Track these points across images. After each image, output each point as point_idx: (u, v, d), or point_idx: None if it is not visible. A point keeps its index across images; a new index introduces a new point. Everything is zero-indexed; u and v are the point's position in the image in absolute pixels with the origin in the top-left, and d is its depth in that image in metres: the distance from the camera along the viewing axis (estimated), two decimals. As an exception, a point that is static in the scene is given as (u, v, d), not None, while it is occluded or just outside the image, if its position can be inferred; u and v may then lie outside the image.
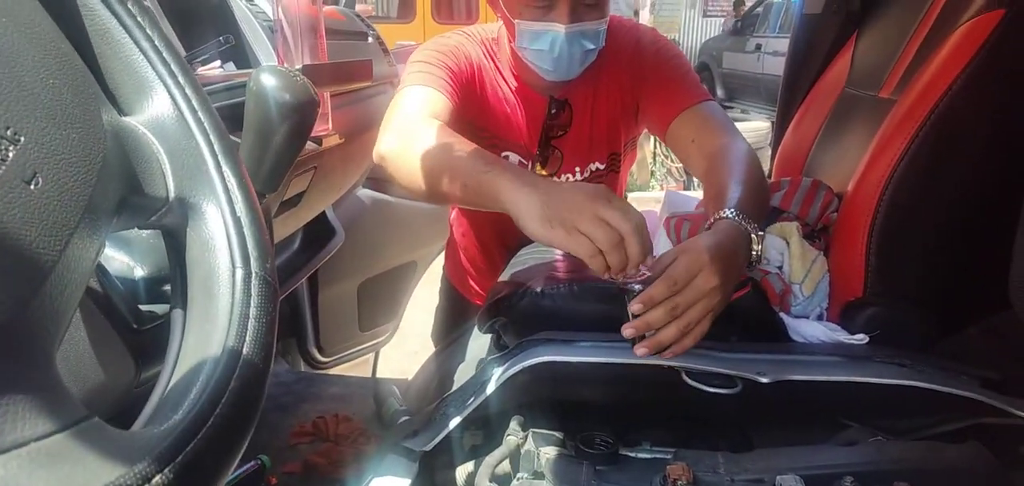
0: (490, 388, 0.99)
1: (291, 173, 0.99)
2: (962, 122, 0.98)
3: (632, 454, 0.89)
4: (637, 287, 0.82)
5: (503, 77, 1.25)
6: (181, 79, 0.44)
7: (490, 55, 1.25)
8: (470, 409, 0.99)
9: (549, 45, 1.11)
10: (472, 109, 1.21)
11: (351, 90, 1.33)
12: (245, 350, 0.35)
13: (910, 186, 0.98)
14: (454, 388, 1.32)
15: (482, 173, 0.88)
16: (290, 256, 1.58)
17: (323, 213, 1.61)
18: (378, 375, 2.28)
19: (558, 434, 0.92)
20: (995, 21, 0.95)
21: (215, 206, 0.39)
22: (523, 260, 1.29)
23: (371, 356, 2.25)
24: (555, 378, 0.98)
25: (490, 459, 0.90)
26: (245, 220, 0.39)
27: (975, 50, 0.96)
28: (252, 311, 0.36)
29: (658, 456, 0.88)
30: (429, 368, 1.76)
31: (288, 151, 0.59)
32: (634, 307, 0.80)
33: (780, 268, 1.06)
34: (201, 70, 0.94)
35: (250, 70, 1.10)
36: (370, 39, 1.65)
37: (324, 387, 1.80)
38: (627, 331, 0.82)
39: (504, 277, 1.24)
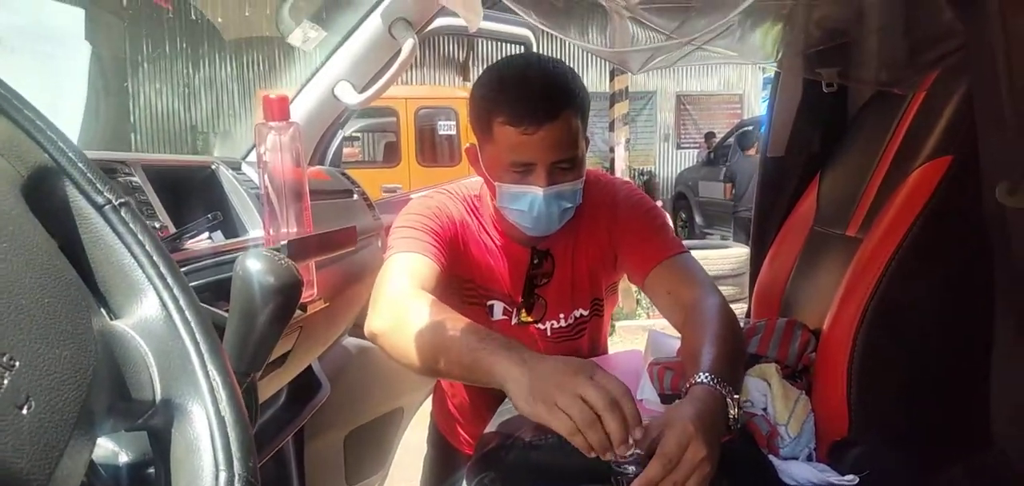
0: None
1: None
2: (925, 261, 1.02)
3: None
4: (631, 469, 0.82)
5: (486, 231, 1.30)
6: (169, 280, 0.46)
7: (473, 211, 1.30)
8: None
9: (528, 206, 1.16)
10: (458, 264, 1.25)
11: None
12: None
13: (882, 325, 1.01)
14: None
15: (475, 350, 0.92)
16: (276, 412, 1.56)
17: (309, 367, 1.61)
18: (366, 529, 2.19)
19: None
20: (945, 166, 1.01)
21: (200, 406, 0.40)
22: (511, 407, 1.29)
23: (361, 508, 2.17)
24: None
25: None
26: (229, 420, 0.40)
27: (929, 194, 1.01)
28: (235, 518, 0.36)
29: None
30: (418, 523, 1.71)
31: (273, 331, 0.61)
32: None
33: (764, 410, 1.07)
34: (189, 243, 0.97)
35: (238, 240, 1.13)
36: (355, 196, 1.71)
37: (309, 547, 1.74)
38: None
39: (492, 427, 1.23)
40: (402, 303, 1.05)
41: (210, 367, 0.42)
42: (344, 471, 2.01)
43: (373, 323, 1.07)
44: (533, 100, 1.10)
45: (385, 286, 1.10)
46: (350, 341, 1.99)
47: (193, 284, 0.75)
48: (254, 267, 0.61)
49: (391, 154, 7.71)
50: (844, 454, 1.01)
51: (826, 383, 1.07)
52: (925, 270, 1.02)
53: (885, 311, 1.02)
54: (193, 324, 0.44)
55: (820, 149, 1.53)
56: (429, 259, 1.15)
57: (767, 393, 1.07)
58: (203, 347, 0.43)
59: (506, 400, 1.34)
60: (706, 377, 0.91)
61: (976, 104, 0.96)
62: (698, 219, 9.58)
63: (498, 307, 1.33)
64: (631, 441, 0.81)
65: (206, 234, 1.02)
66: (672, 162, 12.75)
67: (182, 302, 0.45)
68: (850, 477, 0.96)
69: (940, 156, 1.04)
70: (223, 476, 0.37)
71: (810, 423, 1.05)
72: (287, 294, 0.62)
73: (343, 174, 1.77)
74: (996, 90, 0.76)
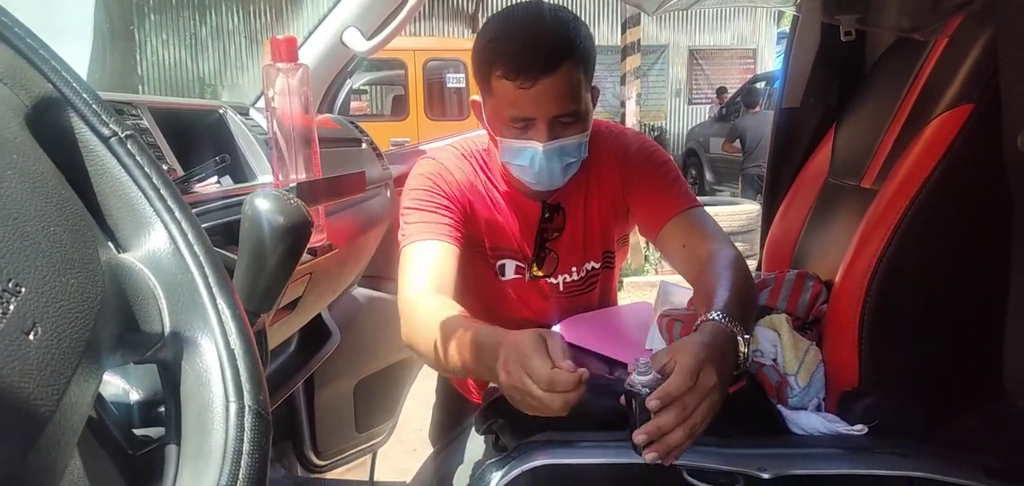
0: (487, 494, 0.97)
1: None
2: (941, 212, 1.00)
3: None
4: (645, 390, 0.80)
5: (495, 186, 1.29)
6: (177, 214, 0.45)
7: (482, 167, 1.29)
8: (471, 515, 0.97)
9: (529, 161, 1.15)
10: (468, 225, 1.24)
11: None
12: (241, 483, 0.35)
13: (895, 276, 1.00)
14: (453, 493, 1.29)
15: (486, 363, 0.92)
16: (286, 359, 1.57)
17: (319, 315, 1.61)
18: (376, 477, 2.23)
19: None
20: (965, 116, 0.99)
21: (209, 339, 0.40)
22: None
23: (369, 458, 2.21)
24: (556, 480, 0.96)
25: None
26: (239, 351, 0.40)
27: (948, 143, 0.99)
28: (246, 447, 0.36)
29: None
30: (427, 471, 1.73)
31: (282, 272, 0.60)
32: (652, 403, 0.78)
33: (774, 360, 1.07)
34: (198, 187, 0.96)
35: (246, 185, 1.13)
36: (364, 145, 1.70)
37: (320, 492, 1.77)
38: (639, 437, 0.79)
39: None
40: (419, 314, 1.07)
41: (219, 300, 0.42)
42: (354, 419, 2.04)
43: (402, 329, 1.10)
44: (530, 52, 1.07)
45: (405, 289, 1.11)
46: (359, 291, 2.00)
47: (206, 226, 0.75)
48: (263, 206, 0.60)
49: (399, 107, 7.64)
50: (853, 405, 1.01)
51: (837, 334, 1.06)
52: (941, 221, 1.01)
53: (899, 262, 1.01)
54: (202, 257, 0.44)
55: (837, 100, 1.50)
56: (443, 242, 1.15)
57: (776, 344, 1.07)
58: (212, 280, 0.43)
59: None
60: (718, 314, 0.89)
61: (1001, 50, 0.93)
62: (709, 176, 9.50)
63: (510, 266, 1.33)
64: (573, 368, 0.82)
65: (214, 178, 1.02)
66: (683, 118, 12.62)
67: (190, 236, 0.45)
68: (859, 427, 0.96)
69: (961, 104, 1.01)
70: (233, 407, 0.37)
71: (820, 374, 1.04)
72: (296, 234, 0.61)
73: (352, 123, 1.75)
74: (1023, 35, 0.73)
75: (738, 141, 7.31)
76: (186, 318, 0.41)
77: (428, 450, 1.68)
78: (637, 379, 0.80)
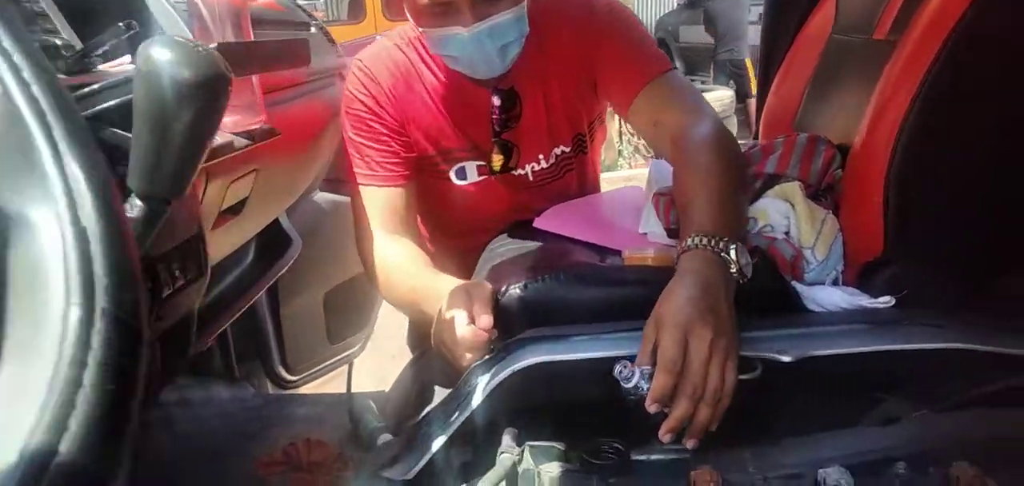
0: (476, 399, 0.87)
1: (227, 178, 0.85)
2: (976, 59, 0.87)
3: (645, 458, 0.78)
4: (644, 386, 0.73)
5: (439, 79, 1.15)
6: (7, 44, 0.30)
7: (424, 60, 1.15)
8: (455, 425, 0.87)
9: (457, 49, 1.03)
10: (412, 145, 1.17)
11: (293, 84, 1.19)
12: (73, 427, 0.22)
13: (925, 134, 0.88)
14: (435, 400, 1.19)
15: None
16: (245, 270, 1.44)
17: (277, 221, 1.47)
18: (354, 388, 2.13)
19: (559, 445, 0.80)
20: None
21: (50, 213, 0.26)
22: (498, 253, 1.17)
23: (345, 369, 2.11)
24: (549, 379, 0.86)
25: (483, 484, 0.78)
26: (94, 233, 0.26)
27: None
28: (91, 369, 0.23)
29: (674, 457, 0.77)
30: (406, 378, 1.63)
31: (192, 143, 0.46)
32: (651, 409, 0.73)
33: (787, 233, 0.95)
34: (105, 67, 0.79)
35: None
36: (313, 29, 1.51)
37: (294, 409, 1.66)
38: (665, 438, 0.74)
39: (477, 277, 1.12)
40: (390, 277, 1.14)
41: (67, 159, 0.28)
42: (326, 331, 1.93)
43: (380, 289, 1.19)
44: None
45: (363, 242, 1.16)
46: (322, 196, 1.85)
47: (102, 107, 0.59)
48: (162, 57, 0.45)
49: (356, 9, 7.26)
50: (876, 276, 0.91)
51: (857, 200, 0.95)
52: (975, 69, 0.88)
53: (928, 119, 0.88)
54: (42, 100, 0.29)
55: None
56: (393, 187, 1.15)
57: (789, 215, 0.95)
58: (57, 132, 0.28)
59: (489, 246, 1.22)
60: (695, 240, 0.81)
61: None
62: (679, 65, 9.29)
63: (470, 167, 1.21)
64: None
65: (128, 58, 0.85)
66: (651, 7, 12.25)
67: (28, 73, 0.30)
68: (885, 299, 0.86)
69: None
70: (76, 312, 0.24)
71: (838, 245, 0.94)
72: (210, 91, 0.46)
73: (299, 6, 1.56)
74: None
75: (709, 26, 7.11)
76: (14, 183, 0.27)
77: (407, 357, 1.58)
78: (631, 386, 0.74)
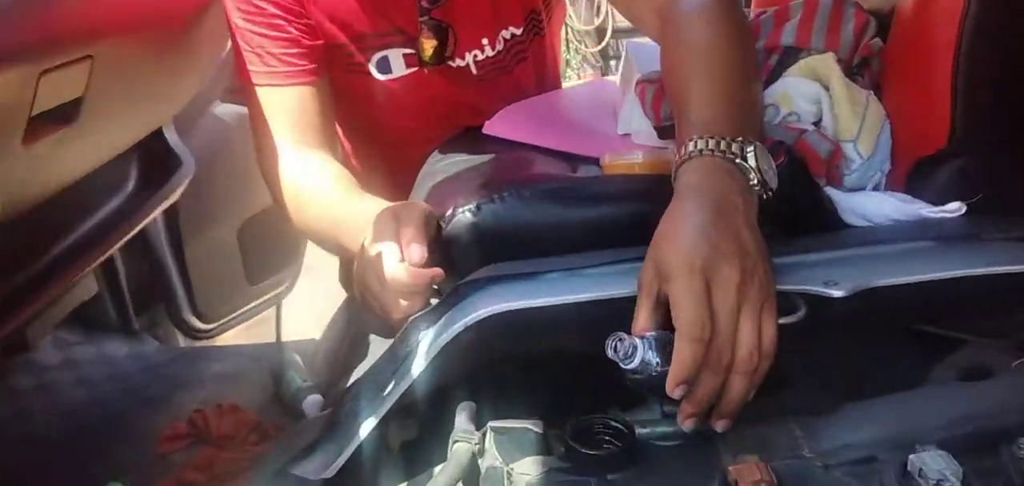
0: (418, 364, 0.64)
1: (28, 66, 0.58)
2: None
3: (656, 439, 0.57)
4: (653, 359, 0.51)
5: None
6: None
7: None
8: (389, 403, 0.64)
9: None
10: (316, 18, 0.95)
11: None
12: None
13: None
14: (372, 353, 0.96)
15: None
16: (125, 199, 1.16)
17: (161, 138, 1.18)
18: (284, 337, 1.88)
19: (534, 427, 0.58)
20: None
21: None
22: (439, 169, 0.92)
23: (272, 312, 1.85)
24: (516, 334, 0.64)
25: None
26: None
27: None
28: None
29: (690, 437, 0.55)
30: (338, 324, 1.39)
31: None
32: (674, 394, 0.51)
33: (817, 124, 0.73)
34: None
35: None
36: None
37: (207, 364, 1.41)
38: (687, 424, 0.53)
39: (418, 197, 0.87)
40: (288, 194, 0.96)
41: None
42: (244, 270, 1.66)
43: (289, 214, 0.98)
44: None
45: (266, 155, 0.97)
46: (226, 109, 1.56)
47: None
48: None
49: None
50: (935, 175, 0.70)
51: (914, 74, 0.73)
52: None
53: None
54: None
55: None
56: (301, 85, 0.94)
57: (821, 99, 0.73)
58: None
59: (427, 163, 0.98)
60: (699, 144, 0.58)
61: None
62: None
63: (395, 57, 0.99)
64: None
65: None
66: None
67: None
68: (955, 205, 0.66)
69: None
70: None
71: (886, 136, 0.72)
72: None
73: None
74: None
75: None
76: None
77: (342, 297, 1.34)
78: (634, 365, 0.52)
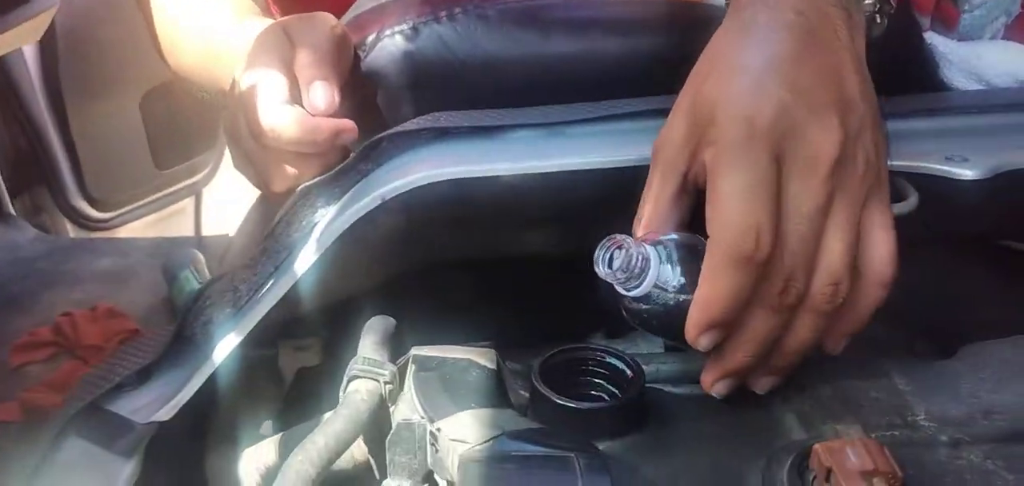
0: (306, 256, 0.42)
1: None
2: None
3: (653, 370, 0.37)
4: (672, 278, 0.31)
5: None
6: None
7: None
8: (264, 310, 0.42)
9: None
10: None
11: None
12: None
13: None
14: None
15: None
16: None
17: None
18: (204, 230, 1.63)
19: (480, 360, 0.37)
20: None
21: None
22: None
23: (190, 201, 1.59)
24: (462, 210, 0.42)
25: (309, 455, 0.34)
26: None
27: None
28: None
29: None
30: (255, 215, 1.15)
31: None
32: (700, 344, 0.31)
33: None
34: None
35: None
36: None
37: (92, 259, 1.16)
38: (716, 389, 0.33)
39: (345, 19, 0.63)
40: (160, 25, 0.77)
41: None
42: (149, 150, 1.40)
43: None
44: None
45: None
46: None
47: None
48: None
49: None
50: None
51: None
52: None
53: None
54: None
55: None
56: None
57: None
58: None
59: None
60: None
61: None
62: None
63: None
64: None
65: None
66: None
67: None
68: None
69: None
70: None
71: (1015, -33, 0.51)
72: None
73: None
74: None
75: None
76: None
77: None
78: (638, 293, 0.31)
